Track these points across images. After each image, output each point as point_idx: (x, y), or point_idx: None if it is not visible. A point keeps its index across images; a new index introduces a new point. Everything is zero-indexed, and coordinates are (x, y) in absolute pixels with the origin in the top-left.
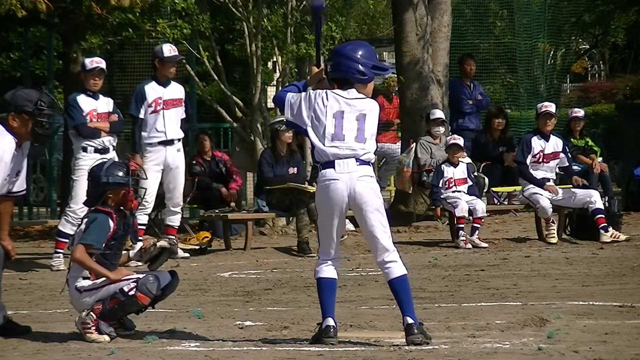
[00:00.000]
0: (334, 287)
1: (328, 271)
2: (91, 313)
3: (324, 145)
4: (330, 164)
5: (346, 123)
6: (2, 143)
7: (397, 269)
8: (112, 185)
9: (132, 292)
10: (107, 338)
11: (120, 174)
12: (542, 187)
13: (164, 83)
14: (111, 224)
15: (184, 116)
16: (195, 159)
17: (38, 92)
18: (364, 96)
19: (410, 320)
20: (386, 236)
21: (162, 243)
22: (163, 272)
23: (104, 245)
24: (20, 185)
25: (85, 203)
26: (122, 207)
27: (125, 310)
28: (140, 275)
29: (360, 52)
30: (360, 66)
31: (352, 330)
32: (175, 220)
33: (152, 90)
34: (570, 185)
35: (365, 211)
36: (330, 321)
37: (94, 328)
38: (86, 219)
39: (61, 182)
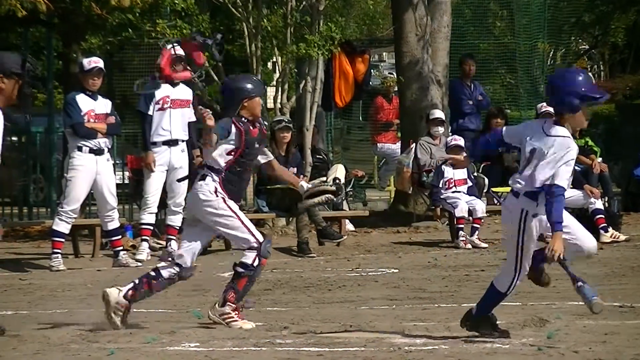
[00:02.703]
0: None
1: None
2: (229, 303)
3: None
4: None
5: None
6: None
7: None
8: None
9: (256, 262)
10: (252, 324)
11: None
12: None
13: (172, 83)
14: (234, 130)
15: (193, 119)
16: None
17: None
18: None
19: (473, 310)
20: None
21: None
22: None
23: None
24: None
25: (221, 116)
26: (252, 117)
27: (254, 281)
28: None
29: (579, 78)
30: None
31: (352, 330)
32: (176, 221)
33: (161, 88)
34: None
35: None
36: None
37: (237, 315)
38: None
39: (61, 182)
